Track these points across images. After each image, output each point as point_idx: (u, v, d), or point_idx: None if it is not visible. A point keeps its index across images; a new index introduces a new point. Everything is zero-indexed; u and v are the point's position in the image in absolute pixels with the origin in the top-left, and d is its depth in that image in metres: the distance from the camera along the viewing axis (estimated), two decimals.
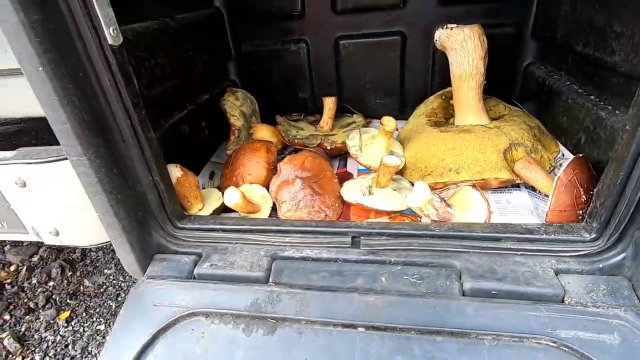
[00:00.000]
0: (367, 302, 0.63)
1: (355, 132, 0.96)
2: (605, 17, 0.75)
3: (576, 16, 0.86)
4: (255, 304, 0.65)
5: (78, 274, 1.66)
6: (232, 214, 0.86)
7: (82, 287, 1.59)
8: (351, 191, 0.84)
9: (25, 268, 1.69)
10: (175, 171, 0.80)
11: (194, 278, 0.72)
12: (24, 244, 1.85)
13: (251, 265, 0.71)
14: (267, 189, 0.87)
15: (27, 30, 0.51)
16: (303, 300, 0.64)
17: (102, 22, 0.57)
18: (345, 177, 0.98)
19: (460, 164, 0.83)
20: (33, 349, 1.35)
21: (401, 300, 0.62)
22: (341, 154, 1.06)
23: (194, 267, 0.73)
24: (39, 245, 1.83)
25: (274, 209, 0.86)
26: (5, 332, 1.39)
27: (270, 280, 0.69)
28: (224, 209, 0.87)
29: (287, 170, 0.84)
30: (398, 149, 0.95)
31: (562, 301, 0.59)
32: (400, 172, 0.92)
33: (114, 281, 1.61)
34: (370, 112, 1.23)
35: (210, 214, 0.84)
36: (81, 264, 1.72)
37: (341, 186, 0.88)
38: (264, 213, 0.84)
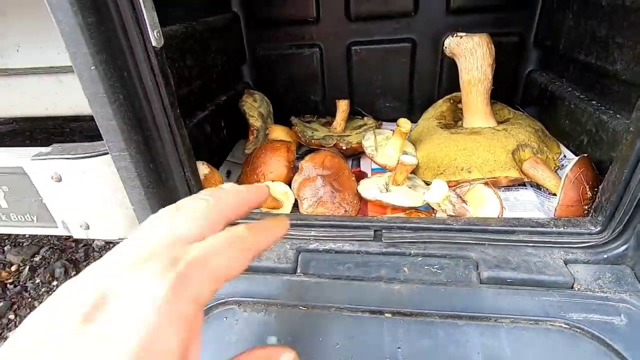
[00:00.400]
0: (392, 290, 0.67)
1: (370, 133, 1.01)
2: (607, 30, 0.81)
3: (579, 29, 0.93)
4: (285, 293, 0.69)
5: None
6: (255, 210, 0.90)
7: None
8: (369, 188, 0.88)
9: (27, 268, 1.69)
10: (203, 168, 0.84)
11: None
12: (24, 244, 1.84)
13: (278, 257, 0.75)
14: (289, 186, 0.91)
15: (83, 32, 0.54)
16: (331, 289, 0.68)
17: (148, 25, 0.61)
18: (360, 176, 1.03)
19: (471, 163, 0.88)
20: None
21: (424, 288, 0.67)
22: (355, 154, 1.11)
23: None
24: (40, 245, 1.82)
25: (295, 205, 0.90)
26: (11, 331, 1.39)
27: (298, 271, 0.73)
28: None
29: (308, 168, 0.88)
30: (410, 149, 1.00)
31: (572, 288, 0.65)
32: (413, 171, 0.97)
33: None
34: (380, 115, 1.28)
35: None
36: (84, 264, 1.72)
37: (358, 184, 0.92)
38: (286, 209, 0.88)
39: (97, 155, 0.71)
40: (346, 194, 0.88)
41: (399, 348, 0.60)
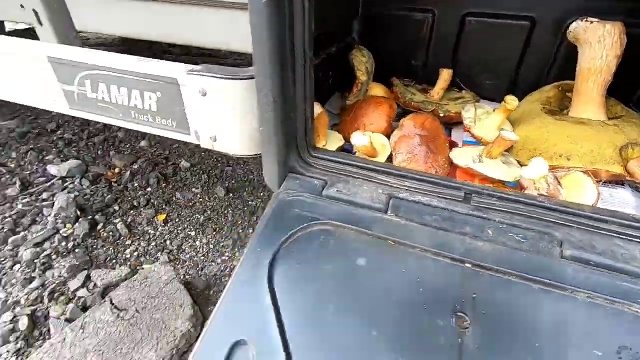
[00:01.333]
0: (476, 245, 0.74)
1: (471, 105, 1.04)
2: None
3: None
4: (377, 226, 0.78)
5: (171, 186, 1.91)
6: (354, 154, 0.99)
7: (174, 198, 1.84)
8: (462, 157, 0.93)
9: (128, 172, 1.96)
10: (317, 108, 0.93)
11: (322, 197, 0.86)
12: (126, 153, 2.13)
13: (372, 198, 0.84)
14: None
15: None
16: (419, 233, 0.77)
17: None
18: (451, 144, 1.07)
19: (573, 151, 0.89)
20: (139, 237, 1.61)
21: (506, 250, 0.73)
22: (449, 124, 1.14)
23: (322, 189, 0.87)
24: (138, 156, 2.10)
25: (389, 158, 0.98)
26: (117, 219, 1.67)
27: (389, 212, 0.82)
28: (342, 150, 1.00)
29: (409, 126, 0.95)
30: (508, 127, 1.02)
31: None
32: (507, 149, 0.99)
33: (201, 199, 1.84)
34: (479, 91, 1.28)
35: None
36: (173, 179, 1.97)
37: (450, 151, 0.97)
38: (382, 159, 0.96)
39: (241, 79, 0.83)
40: (439, 157, 0.93)
41: (474, 295, 0.68)
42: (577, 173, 0.83)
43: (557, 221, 0.77)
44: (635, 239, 0.73)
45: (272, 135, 0.84)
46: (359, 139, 0.90)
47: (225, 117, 0.89)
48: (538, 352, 0.61)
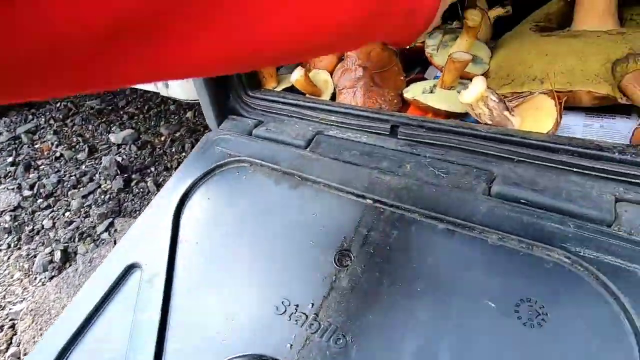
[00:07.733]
0: (382, 180, 0.64)
1: (440, 30, 0.84)
2: None
3: None
4: (288, 163, 0.73)
5: None
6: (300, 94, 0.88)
7: None
8: (413, 89, 0.75)
9: (169, 139, 2.05)
10: None
11: (251, 136, 0.83)
12: (173, 122, 2.14)
13: (297, 134, 0.78)
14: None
15: None
16: (327, 168, 0.69)
17: None
18: (417, 80, 0.88)
19: (547, 71, 0.67)
20: None
21: (416, 185, 0.61)
22: (422, 58, 0.88)
23: (254, 128, 0.83)
24: (182, 125, 2.12)
25: (334, 95, 0.86)
26: (149, 178, 1.82)
27: (308, 149, 0.75)
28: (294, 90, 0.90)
29: (352, 58, 0.84)
30: (484, 53, 0.80)
31: (609, 227, 0.49)
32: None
33: None
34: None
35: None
36: None
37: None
38: (325, 96, 0.86)
39: None
40: (386, 91, 0.77)
41: (367, 232, 0.60)
42: (539, 95, 0.59)
43: (498, 154, 0.58)
44: (595, 173, 0.54)
45: (201, 82, 0.81)
46: (294, 75, 0.81)
47: None
48: (416, 297, 0.56)
